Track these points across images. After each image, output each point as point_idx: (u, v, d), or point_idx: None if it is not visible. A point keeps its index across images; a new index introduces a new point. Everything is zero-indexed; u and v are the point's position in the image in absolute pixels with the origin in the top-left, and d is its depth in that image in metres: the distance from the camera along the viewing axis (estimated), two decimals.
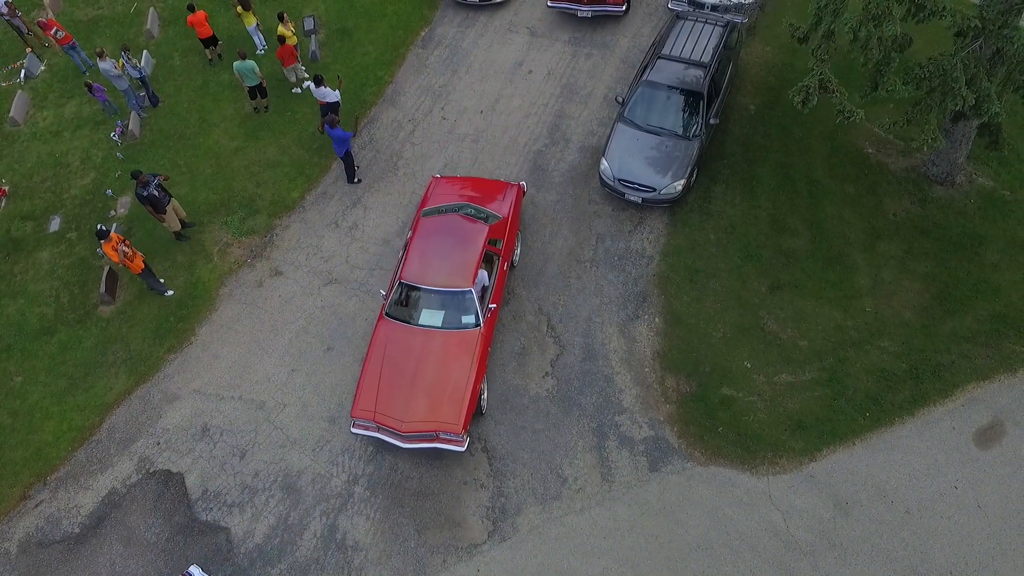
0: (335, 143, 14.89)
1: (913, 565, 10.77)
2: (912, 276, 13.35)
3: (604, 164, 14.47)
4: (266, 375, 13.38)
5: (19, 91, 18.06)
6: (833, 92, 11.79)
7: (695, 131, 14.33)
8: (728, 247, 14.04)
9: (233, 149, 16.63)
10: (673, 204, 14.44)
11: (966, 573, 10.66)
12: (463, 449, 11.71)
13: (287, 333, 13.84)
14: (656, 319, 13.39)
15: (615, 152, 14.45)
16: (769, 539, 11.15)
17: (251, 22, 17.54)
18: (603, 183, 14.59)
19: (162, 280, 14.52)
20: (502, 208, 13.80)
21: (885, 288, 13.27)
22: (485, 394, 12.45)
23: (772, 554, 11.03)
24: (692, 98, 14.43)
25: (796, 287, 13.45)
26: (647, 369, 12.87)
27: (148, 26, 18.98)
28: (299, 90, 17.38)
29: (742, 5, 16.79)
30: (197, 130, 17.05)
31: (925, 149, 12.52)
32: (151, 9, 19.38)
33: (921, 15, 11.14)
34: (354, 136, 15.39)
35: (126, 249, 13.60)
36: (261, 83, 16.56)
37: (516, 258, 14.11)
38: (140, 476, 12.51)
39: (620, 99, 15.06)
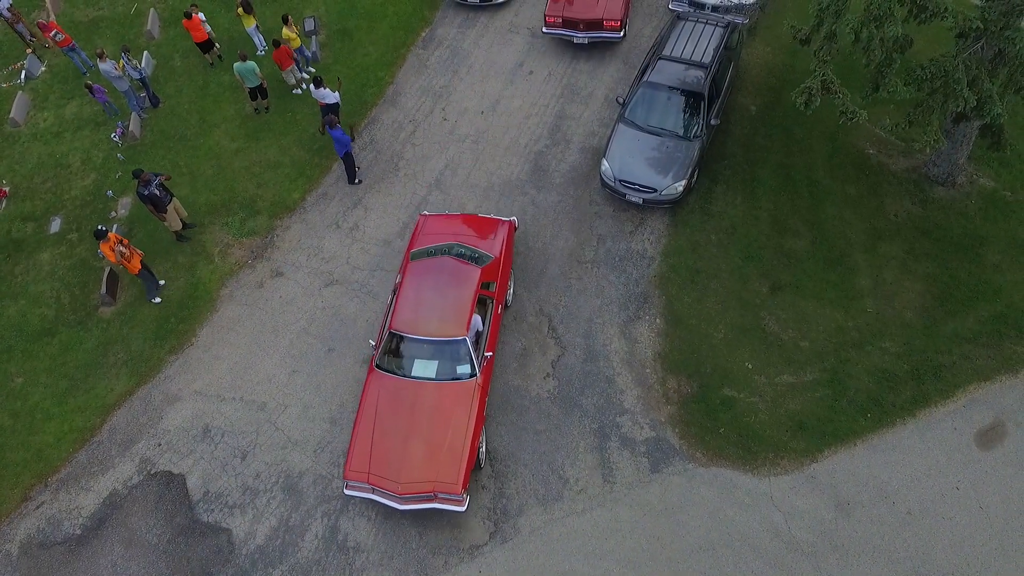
0: (336, 143, 14.89)
1: (915, 566, 10.77)
2: (913, 277, 13.36)
3: (605, 165, 14.47)
4: (267, 376, 13.37)
5: (20, 92, 18.06)
6: (836, 93, 11.79)
7: (696, 132, 14.33)
8: (729, 248, 14.05)
9: (234, 150, 16.63)
10: (674, 205, 14.44)
11: (968, 574, 10.66)
12: (463, 509, 11.20)
13: (288, 334, 13.83)
14: (657, 320, 13.38)
15: (616, 153, 14.45)
16: (771, 540, 11.15)
17: (251, 23, 17.53)
18: (604, 184, 14.59)
19: (162, 282, 14.48)
20: (493, 247, 13.24)
21: (886, 289, 13.28)
22: (484, 447, 11.94)
23: (773, 555, 11.03)
24: (693, 99, 14.44)
25: (797, 288, 13.45)
26: (648, 370, 12.87)
27: (148, 27, 18.98)
28: (299, 91, 17.38)
29: (743, 6, 16.80)
30: (198, 131, 17.05)
31: (927, 151, 12.53)
32: (151, 10, 19.38)
33: (923, 16, 11.14)
34: (352, 141, 15.37)
35: (123, 249, 13.58)
36: (262, 84, 16.56)
37: (510, 298, 13.62)
38: (141, 477, 12.50)
39: (621, 100, 15.06)
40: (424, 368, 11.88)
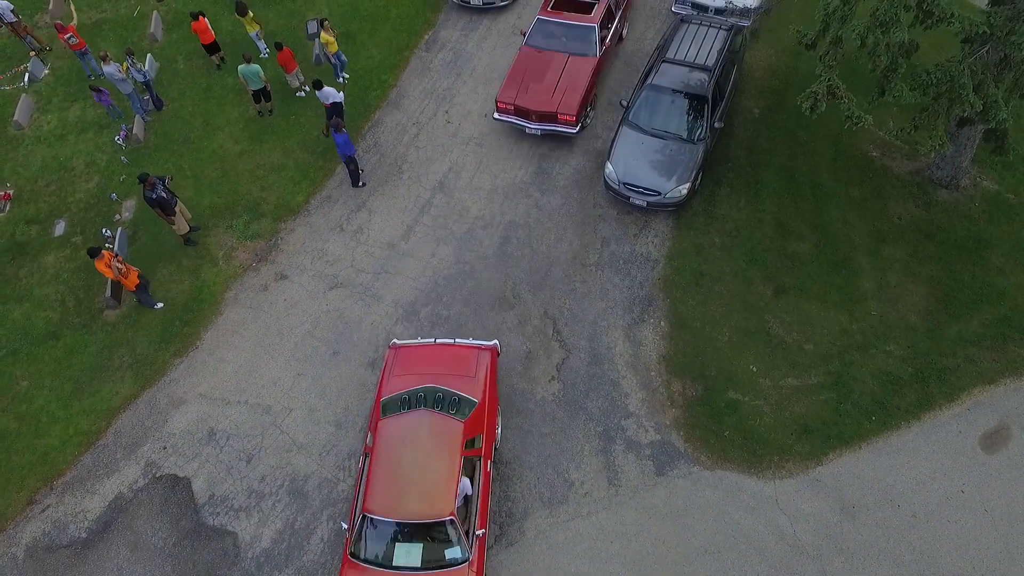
0: (338, 147, 14.89)
1: (920, 569, 10.79)
2: (917, 280, 13.38)
3: (609, 168, 14.49)
4: (272, 379, 13.39)
5: (23, 94, 18.06)
6: (841, 98, 11.81)
7: (699, 135, 14.35)
8: (733, 251, 14.06)
9: (237, 153, 16.63)
10: (678, 208, 14.45)
11: None
12: None
13: (293, 337, 13.84)
14: (662, 323, 13.40)
15: (620, 156, 14.47)
16: (776, 543, 11.17)
17: (253, 29, 17.55)
18: (608, 187, 14.60)
19: (159, 304, 14.39)
20: (476, 386, 11.66)
21: (890, 292, 13.30)
22: None
23: (779, 558, 11.04)
24: (696, 102, 14.46)
25: (801, 291, 13.47)
26: (653, 373, 12.88)
27: (152, 30, 18.98)
28: (303, 94, 17.39)
29: (746, 9, 16.83)
30: (201, 134, 17.05)
31: (932, 155, 12.54)
32: (154, 13, 19.38)
33: (929, 21, 11.16)
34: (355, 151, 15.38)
35: (119, 265, 13.58)
36: (265, 87, 16.58)
37: (499, 440, 12.15)
38: (147, 481, 12.51)
39: (624, 103, 15.08)
40: (407, 555, 10.42)
